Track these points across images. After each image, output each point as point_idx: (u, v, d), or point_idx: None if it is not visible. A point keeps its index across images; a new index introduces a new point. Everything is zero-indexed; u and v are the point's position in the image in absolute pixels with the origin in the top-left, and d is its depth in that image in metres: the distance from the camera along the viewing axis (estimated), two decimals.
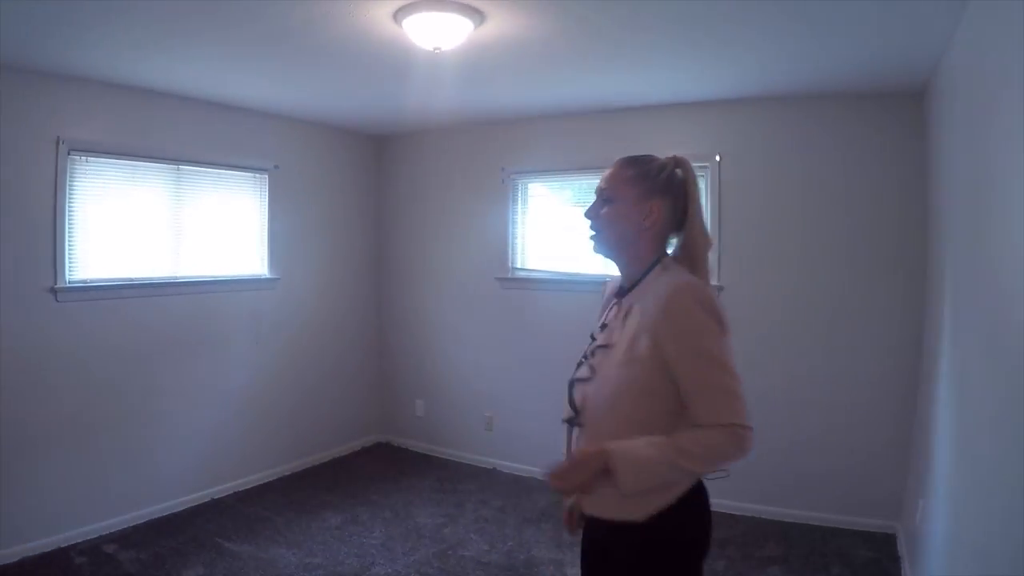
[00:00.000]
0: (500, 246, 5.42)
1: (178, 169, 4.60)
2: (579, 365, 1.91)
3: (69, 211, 4.07)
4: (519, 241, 5.42)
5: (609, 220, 1.83)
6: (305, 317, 5.45)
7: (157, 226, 4.51)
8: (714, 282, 4.43)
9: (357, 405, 5.95)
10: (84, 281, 4.14)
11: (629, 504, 1.68)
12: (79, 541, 4.05)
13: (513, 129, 5.32)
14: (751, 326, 4.38)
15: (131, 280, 4.38)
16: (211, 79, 4.21)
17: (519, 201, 5.39)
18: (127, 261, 4.38)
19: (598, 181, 1.89)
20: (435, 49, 3.17)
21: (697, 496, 1.74)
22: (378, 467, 5.53)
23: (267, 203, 5.17)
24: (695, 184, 1.86)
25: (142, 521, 4.37)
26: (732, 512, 4.45)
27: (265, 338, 5.15)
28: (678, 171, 1.85)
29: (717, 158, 4.58)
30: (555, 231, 5.32)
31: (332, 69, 3.95)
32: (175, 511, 4.53)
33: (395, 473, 5.38)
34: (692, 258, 1.83)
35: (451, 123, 5.47)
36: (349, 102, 4.86)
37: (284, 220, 5.25)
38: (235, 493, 4.90)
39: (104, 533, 4.16)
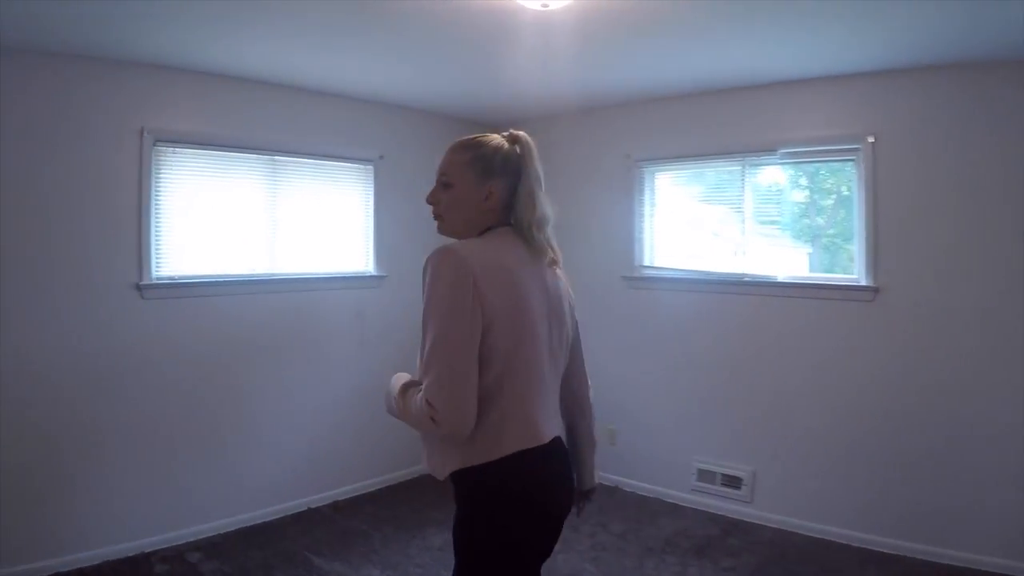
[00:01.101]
0: (626, 242, 4.90)
1: (273, 160, 4.38)
2: None
3: (155, 204, 3.91)
4: (647, 236, 4.84)
5: (451, 205, 1.90)
6: (414, 318, 4.92)
7: (250, 220, 4.30)
8: (867, 282, 3.89)
9: None
10: (171, 278, 3.98)
11: (433, 464, 1.83)
12: (163, 547, 3.89)
13: (639, 112, 4.80)
14: (914, 336, 3.80)
15: (222, 277, 4.18)
16: (309, 65, 4.01)
17: (646, 191, 4.83)
18: (218, 257, 4.19)
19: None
20: (543, 6, 2.82)
21: (497, 473, 1.73)
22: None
23: (372, 195, 4.86)
24: (531, 161, 1.90)
25: (231, 529, 4.17)
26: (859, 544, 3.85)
27: (369, 340, 4.85)
28: (516, 147, 1.91)
29: (870, 139, 3.86)
30: (686, 224, 4.74)
31: (437, 43, 3.61)
32: (267, 520, 4.30)
33: None
34: (526, 233, 1.88)
35: (571, 107, 5.00)
36: (457, 84, 4.50)
37: (391, 213, 4.93)
38: (333, 503, 4.63)
39: (190, 540, 3.98)
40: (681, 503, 4.54)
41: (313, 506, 4.51)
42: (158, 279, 3.91)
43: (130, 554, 3.77)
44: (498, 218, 1.89)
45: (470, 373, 1.68)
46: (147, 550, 3.83)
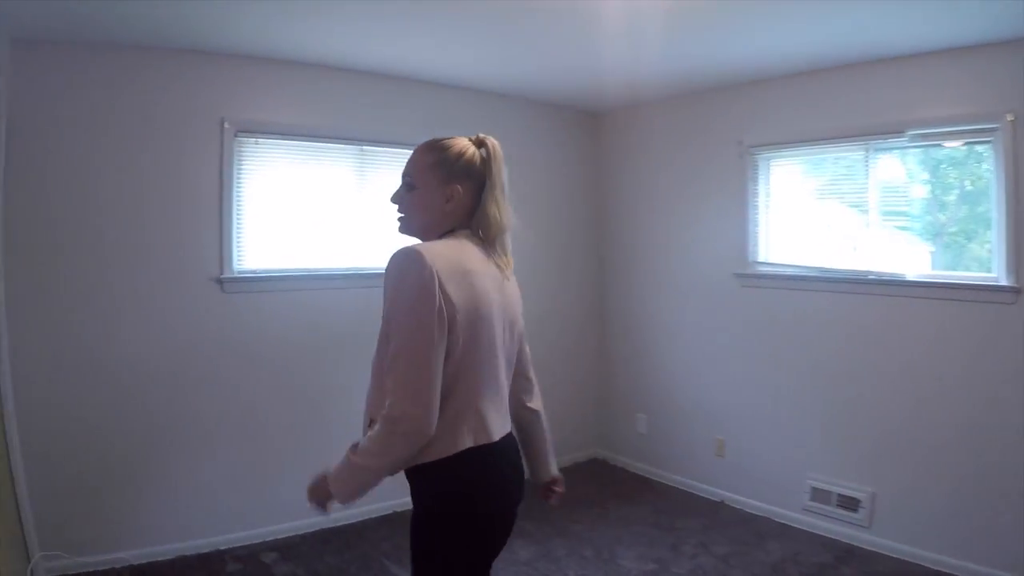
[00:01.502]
0: (738, 236, 4.49)
1: (361, 150, 4.25)
2: None
3: (237, 196, 3.84)
4: (761, 229, 4.42)
5: (413, 206, 1.91)
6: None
7: (335, 212, 4.18)
8: (1008, 282, 3.38)
9: (571, 415, 5.23)
10: (253, 271, 3.92)
11: None
12: (238, 546, 3.83)
13: (751, 94, 4.41)
14: None
15: (305, 271, 4.09)
16: (396, 51, 3.88)
17: (760, 180, 4.41)
18: (301, 250, 4.07)
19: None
20: None
21: (454, 466, 1.75)
22: (588, 488, 4.80)
23: None
24: (495, 166, 1.93)
25: (310, 531, 4.07)
26: None
27: None
28: (482, 151, 1.94)
29: (1009, 118, 3.35)
30: (803, 215, 4.28)
31: (529, 25, 3.41)
32: (347, 523, 4.19)
33: (606, 497, 4.64)
34: (484, 238, 1.92)
35: (676, 91, 4.67)
36: (550, 69, 4.26)
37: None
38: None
39: (266, 540, 3.91)
40: (792, 524, 4.12)
41: (399, 510, 4.31)
42: (239, 273, 3.85)
43: (204, 551, 3.73)
44: (459, 221, 1.91)
45: (437, 373, 1.70)
46: (222, 548, 3.77)
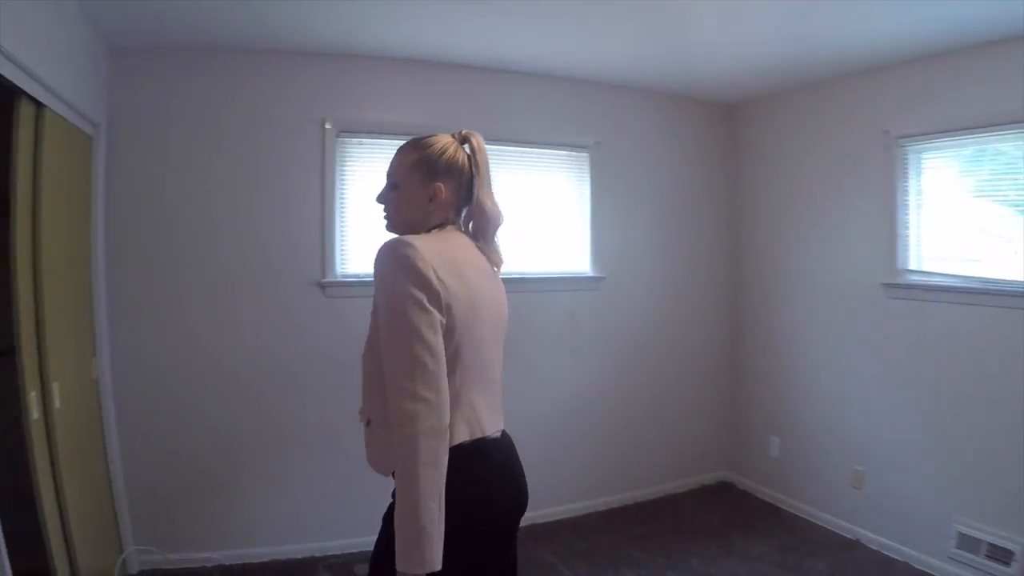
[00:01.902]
0: (886, 240, 3.95)
1: None
2: None
3: (339, 198, 3.80)
4: (912, 232, 3.88)
5: (397, 205, 1.91)
6: (636, 325, 4.59)
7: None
8: None
9: (698, 434, 4.88)
10: (357, 276, 3.84)
11: (376, 458, 1.86)
12: (333, 554, 3.75)
13: (898, 76, 3.86)
14: None
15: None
16: (511, 42, 3.69)
17: (911, 176, 3.87)
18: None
19: None
20: None
21: (454, 455, 1.64)
22: (712, 514, 4.43)
23: (589, 186, 4.40)
24: (483, 161, 1.92)
25: None
26: None
27: (583, 349, 4.41)
28: (466, 147, 1.93)
29: None
30: (963, 217, 3.71)
31: (654, 10, 3.12)
32: None
33: (731, 526, 4.25)
34: (476, 233, 1.93)
35: (811, 76, 4.20)
36: (678, 58, 3.94)
37: (611, 206, 4.46)
38: (527, 527, 4.16)
39: (363, 550, 3.71)
40: (933, 573, 3.57)
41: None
42: (342, 277, 3.79)
43: (297, 556, 3.69)
44: (445, 217, 1.91)
45: (442, 358, 1.65)
46: (317, 555, 3.72)
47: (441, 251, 1.74)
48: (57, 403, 2.68)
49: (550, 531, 4.14)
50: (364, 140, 3.82)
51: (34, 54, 2.42)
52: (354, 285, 3.79)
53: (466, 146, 1.93)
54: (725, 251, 4.94)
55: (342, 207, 3.79)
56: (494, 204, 1.93)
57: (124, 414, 3.46)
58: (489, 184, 1.93)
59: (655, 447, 4.65)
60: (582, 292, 4.40)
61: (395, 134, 3.84)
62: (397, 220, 1.92)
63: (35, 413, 2.56)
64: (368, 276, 3.75)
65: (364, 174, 3.83)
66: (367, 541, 3.50)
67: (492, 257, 1.93)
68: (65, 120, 2.87)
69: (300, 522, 3.71)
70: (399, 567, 1.52)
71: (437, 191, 1.85)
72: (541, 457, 4.19)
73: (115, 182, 3.43)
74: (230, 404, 3.61)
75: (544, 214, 4.31)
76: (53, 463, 2.68)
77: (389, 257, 1.68)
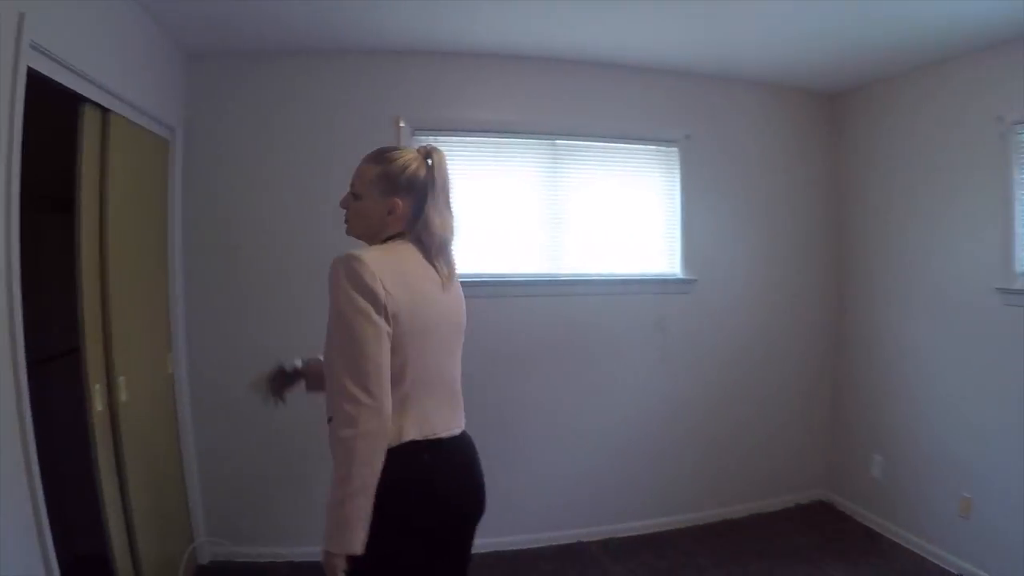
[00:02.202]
0: (1000, 239, 3.53)
1: (553, 144, 3.97)
2: None
3: None
4: None
5: (357, 214, 2.00)
6: (730, 330, 4.35)
7: (526, 213, 3.95)
8: None
9: (795, 450, 4.55)
10: None
11: None
12: None
13: (1011, 54, 3.44)
14: None
15: (492, 277, 3.89)
16: (592, 33, 3.54)
17: None
18: (488, 255, 3.90)
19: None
20: None
21: (402, 453, 1.79)
22: (805, 537, 4.11)
23: (678, 183, 4.19)
24: (439, 178, 1.98)
25: (481, 551, 3.78)
26: None
27: (672, 355, 4.20)
28: (428, 161, 1.99)
29: None
30: None
31: None
32: (525, 547, 3.94)
33: (823, 551, 3.92)
34: (426, 245, 1.97)
35: (924, 57, 3.79)
36: (774, 42, 3.65)
37: (702, 204, 4.23)
38: (605, 541, 4.05)
39: None
40: None
41: (583, 540, 4.01)
42: None
43: None
44: (402, 228, 1.99)
45: (385, 366, 1.76)
46: None
47: (391, 263, 1.85)
48: (123, 397, 2.80)
49: (630, 547, 3.97)
50: (440, 137, 3.77)
51: (98, 62, 2.54)
52: None
53: (428, 160, 1.99)
54: (826, 252, 4.57)
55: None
56: (443, 221, 1.99)
57: (199, 408, 3.59)
58: (446, 200, 2.01)
59: (748, 462, 4.38)
60: (671, 295, 4.18)
61: (471, 131, 3.85)
62: (355, 227, 2.02)
63: (99, 405, 2.69)
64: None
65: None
66: None
67: (440, 270, 1.97)
68: (133, 124, 2.98)
69: None
70: (326, 546, 1.72)
71: (395, 206, 1.94)
72: (623, 468, 4.10)
73: (192, 183, 3.55)
74: (300, 402, 3.63)
75: (630, 212, 4.11)
76: (117, 454, 2.81)
77: (340, 271, 1.78)
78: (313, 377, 2.41)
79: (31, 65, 2.13)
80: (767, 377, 4.42)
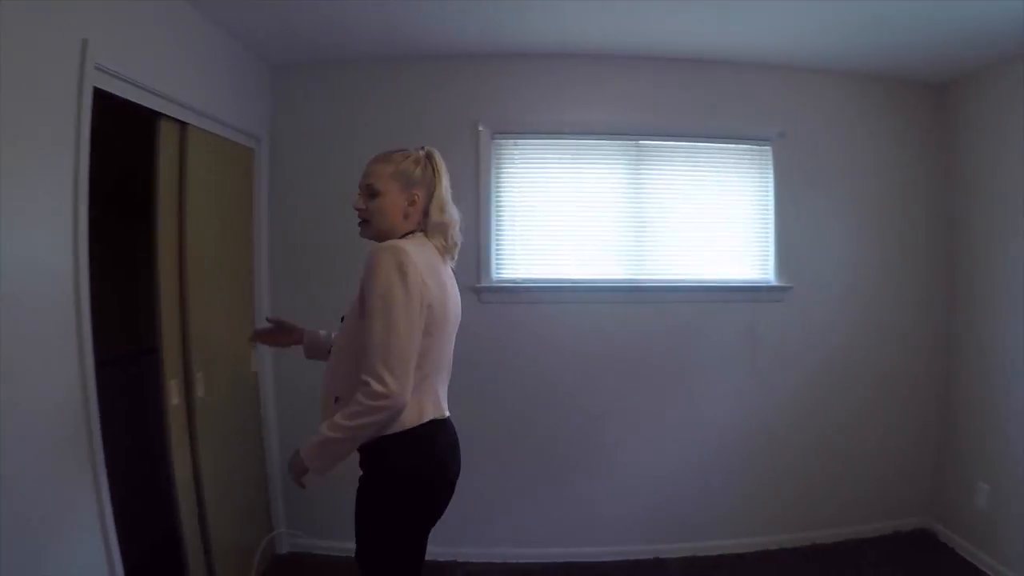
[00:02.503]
0: None
1: (637, 145, 3.87)
2: None
3: (495, 202, 3.81)
4: None
5: (379, 211, 2.18)
6: (828, 342, 4.08)
7: (608, 217, 3.87)
8: None
9: (893, 471, 4.19)
10: (512, 281, 3.83)
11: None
12: (474, 561, 3.81)
13: None
14: None
15: (572, 282, 3.86)
16: (676, 27, 3.41)
17: None
18: (567, 259, 3.86)
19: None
20: None
21: (423, 435, 2.07)
22: (899, 569, 3.77)
23: (771, 183, 3.97)
24: (443, 173, 2.23)
25: (552, 560, 3.87)
26: None
27: (763, 368, 3.99)
28: (429, 162, 2.24)
29: None
30: None
31: None
32: (596, 560, 3.88)
33: None
34: (437, 239, 2.19)
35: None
36: (873, 28, 3.34)
37: (798, 206, 3.99)
38: (686, 559, 3.92)
39: (507, 561, 3.83)
40: None
41: (662, 557, 3.88)
42: (498, 282, 3.79)
43: (441, 559, 3.73)
44: (417, 223, 2.20)
45: (415, 355, 1.99)
46: (459, 559, 3.76)
47: (424, 256, 2.05)
48: (200, 392, 3.00)
49: (710, 566, 3.81)
50: (520, 141, 3.79)
51: (174, 81, 2.78)
52: (511, 291, 3.77)
53: (429, 160, 2.21)
54: (937, 258, 4.17)
55: (498, 211, 3.78)
56: (452, 215, 2.20)
57: (282, 405, 3.78)
58: (444, 199, 2.19)
59: (841, 483, 4.09)
60: (763, 304, 3.97)
61: (551, 133, 3.83)
62: (376, 224, 2.17)
63: (175, 399, 2.91)
64: (526, 282, 3.80)
65: (520, 176, 3.79)
66: (515, 552, 3.80)
67: (449, 258, 2.23)
68: (213, 135, 3.18)
69: (446, 525, 3.75)
70: (305, 456, 2.02)
71: (416, 197, 2.16)
72: (706, 483, 3.96)
73: (278, 189, 3.75)
74: None
75: (718, 216, 3.94)
76: (192, 446, 3.02)
77: (387, 261, 1.95)
78: (312, 347, 2.65)
79: (98, 85, 2.30)
80: (865, 391, 4.12)
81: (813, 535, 4.03)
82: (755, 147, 3.97)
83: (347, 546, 3.61)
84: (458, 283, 3.55)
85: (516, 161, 3.81)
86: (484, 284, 3.74)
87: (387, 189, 2.14)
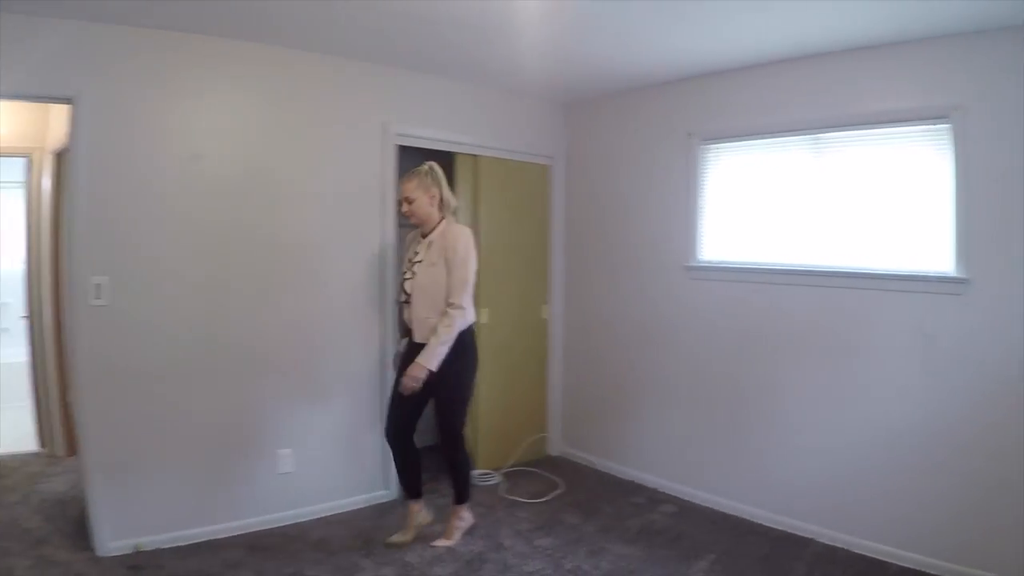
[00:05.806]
0: None
1: (815, 139, 4.04)
2: (406, 274, 3.74)
3: (701, 197, 4.56)
4: None
5: (416, 211, 3.68)
6: (1016, 341, 3.32)
7: (793, 206, 4.13)
8: None
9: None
10: (711, 262, 4.51)
11: (423, 337, 3.63)
12: (670, 492, 4.68)
13: None
14: None
15: (760, 265, 4.26)
16: (841, 22, 3.47)
17: None
18: (758, 244, 4.30)
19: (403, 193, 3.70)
20: None
21: (471, 330, 3.73)
22: None
23: (952, 162, 3.47)
24: (440, 178, 3.72)
25: (735, 514, 4.34)
26: None
27: (939, 367, 3.51)
28: (435, 170, 3.72)
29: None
30: None
31: None
32: (754, 519, 4.22)
33: None
34: (449, 212, 3.78)
35: None
36: None
37: (982, 188, 3.39)
38: (828, 548, 3.86)
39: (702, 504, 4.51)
40: None
41: (808, 537, 3.90)
42: (701, 263, 4.52)
43: (645, 485, 4.82)
44: (442, 212, 3.73)
45: (472, 290, 3.73)
46: (655, 487, 4.72)
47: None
48: (484, 320, 4.70)
49: (847, 564, 3.59)
50: (720, 145, 4.39)
51: (465, 129, 4.73)
52: (711, 270, 4.43)
53: (433, 170, 3.69)
54: None
55: (703, 204, 4.48)
56: (453, 200, 3.79)
57: (565, 348, 5.33)
58: (448, 192, 3.73)
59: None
60: (938, 296, 3.48)
61: (747, 136, 4.33)
62: (418, 217, 3.69)
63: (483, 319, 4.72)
64: (725, 262, 4.46)
65: (720, 175, 4.41)
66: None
67: None
68: (500, 160, 4.90)
69: (651, 458, 4.73)
70: (425, 362, 3.49)
71: (434, 195, 3.68)
72: (872, 484, 3.76)
73: (572, 202, 5.32)
74: (616, 352, 4.95)
75: (891, 202, 3.69)
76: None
77: (465, 236, 3.65)
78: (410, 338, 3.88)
79: (399, 143, 4.45)
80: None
81: (984, 561, 3.30)
82: (929, 125, 3.55)
83: (602, 462, 5.29)
84: (671, 264, 5.03)
85: (718, 162, 4.42)
86: (691, 264, 4.49)
87: (417, 196, 3.61)
